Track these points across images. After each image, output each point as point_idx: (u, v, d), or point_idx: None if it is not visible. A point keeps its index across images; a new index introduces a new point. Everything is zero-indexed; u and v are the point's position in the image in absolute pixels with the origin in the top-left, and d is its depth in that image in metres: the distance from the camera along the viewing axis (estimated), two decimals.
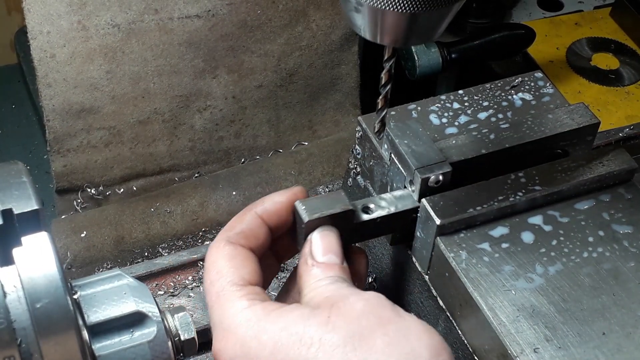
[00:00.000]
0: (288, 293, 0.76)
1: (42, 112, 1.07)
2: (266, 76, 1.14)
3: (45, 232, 0.59)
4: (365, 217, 0.77)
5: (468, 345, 0.75)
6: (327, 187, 1.02)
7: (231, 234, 0.70)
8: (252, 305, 0.65)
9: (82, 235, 1.04)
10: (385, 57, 0.70)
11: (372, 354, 0.59)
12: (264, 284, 0.71)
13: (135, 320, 0.65)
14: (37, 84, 1.06)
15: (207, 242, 1.04)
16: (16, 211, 0.60)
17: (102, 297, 0.65)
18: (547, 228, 0.77)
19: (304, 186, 1.10)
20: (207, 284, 0.68)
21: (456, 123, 0.87)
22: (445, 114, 0.88)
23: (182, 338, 0.69)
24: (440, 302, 0.78)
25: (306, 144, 1.19)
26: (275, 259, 0.78)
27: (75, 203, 1.11)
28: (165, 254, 1.04)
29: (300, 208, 0.74)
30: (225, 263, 0.68)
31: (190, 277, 1.00)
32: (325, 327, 0.61)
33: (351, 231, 0.76)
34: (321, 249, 0.71)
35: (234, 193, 1.10)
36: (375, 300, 0.64)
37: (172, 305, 0.96)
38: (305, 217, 0.73)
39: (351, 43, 1.18)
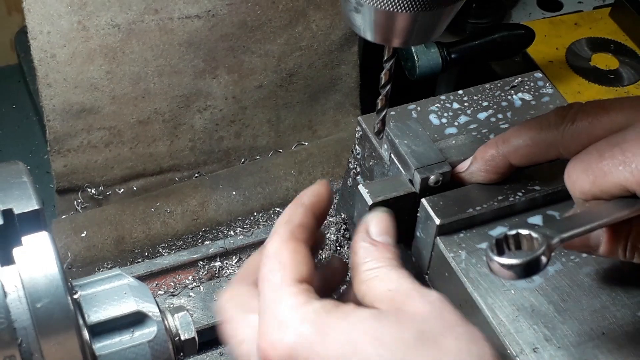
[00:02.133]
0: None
1: (43, 112, 1.07)
2: (266, 76, 1.15)
3: (46, 232, 0.59)
4: None
5: None
6: None
7: (295, 229, 0.69)
8: (310, 302, 0.64)
9: (83, 235, 1.04)
10: (385, 57, 0.70)
11: (446, 354, 0.59)
12: None
13: (136, 320, 0.65)
14: (37, 84, 1.06)
15: (207, 242, 1.04)
16: (17, 211, 0.60)
17: (102, 297, 0.65)
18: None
19: (304, 186, 1.11)
20: (266, 272, 0.67)
21: (456, 123, 0.87)
22: (445, 114, 0.88)
23: (182, 338, 0.69)
24: None
25: (306, 144, 1.19)
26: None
27: (75, 203, 1.11)
28: (166, 254, 1.04)
29: (364, 191, 0.76)
30: (290, 256, 0.67)
31: (190, 277, 1.00)
32: (398, 327, 0.61)
33: (410, 213, 0.77)
34: (378, 228, 0.71)
35: (234, 193, 1.10)
36: (439, 303, 0.63)
37: (172, 305, 0.96)
38: (369, 199, 0.75)
39: (351, 43, 1.18)
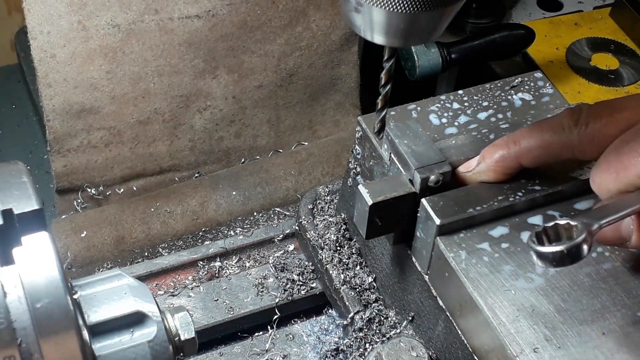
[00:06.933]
0: None
1: (42, 112, 1.07)
2: (266, 76, 1.14)
3: (46, 232, 0.59)
4: None
5: (468, 345, 0.75)
6: (327, 187, 1.02)
7: None
8: None
9: (82, 235, 1.04)
10: (385, 57, 0.70)
11: None
12: None
13: (135, 320, 0.65)
14: (37, 84, 1.06)
15: (207, 242, 1.04)
16: (16, 211, 0.60)
17: (102, 297, 0.65)
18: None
19: (304, 186, 1.11)
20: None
21: (456, 123, 0.87)
22: (445, 114, 0.88)
23: (182, 338, 0.69)
24: (440, 302, 0.78)
25: (306, 144, 1.19)
26: None
27: (75, 203, 1.11)
28: (165, 254, 1.04)
29: (364, 191, 0.76)
30: None
31: (190, 277, 1.00)
32: None
33: (410, 213, 0.77)
34: None
35: (234, 193, 1.10)
36: None
37: (172, 305, 0.96)
38: (369, 199, 0.75)
39: (351, 43, 1.18)
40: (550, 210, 0.78)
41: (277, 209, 1.10)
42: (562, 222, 0.62)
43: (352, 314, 0.90)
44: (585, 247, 0.61)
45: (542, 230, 0.63)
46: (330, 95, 1.20)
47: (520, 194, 0.78)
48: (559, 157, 0.74)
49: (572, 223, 0.62)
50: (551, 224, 0.63)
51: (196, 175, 1.15)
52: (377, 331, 0.89)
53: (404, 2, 0.60)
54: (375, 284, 0.92)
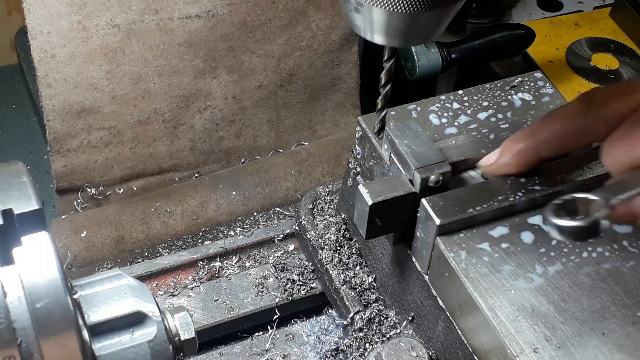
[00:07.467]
0: None
1: (42, 112, 1.07)
2: (266, 76, 1.15)
3: (46, 232, 0.59)
4: None
5: (468, 345, 0.75)
6: (327, 187, 1.02)
7: None
8: None
9: (82, 235, 1.04)
10: (385, 57, 0.70)
11: None
12: None
13: (135, 320, 0.65)
14: (37, 84, 1.06)
15: (207, 242, 1.04)
16: (16, 211, 0.60)
17: (102, 297, 0.65)
18: (547, 228, 0.77)
19: (304, 186, 1.11)
20: None
21: (456, 123, 0.87)
22: (445, 114, 0.88)
23: (182, 338, 0.69)
24: (440, 302, 0.78)
25: (306, 144, 1.19)
26: None
27: (75, 203, 1.11)
28: (165, 254, 1.04)
29: (364, 191, 0.76)
30: None
31: (190, 277, 1.00)
32: None
33: (410, 213, 0.77)
34: None
35: (234, 193, 1.10)
36: None
37: (172, 305, 0.96)
38: (369, 199, 0.75)
39: (351, 43, 1.18)
40: None
41: (277, 209, 1.10)
42: (580, 196, 0.62)
43: (352, 314, 0.90)
44: (605, 223, 0.60)
45: (561, 204, 0.62)
46: (330, 95, 1.20)
47: (520, 194, 0.78)
48: (577, 143, 0.75)
49: (591, 198, 0.61)
50: (569, 197, 0.62)
51: (196, 175, 1.15)
52: (377, 331, 0.89)
53: (404, 2, 0.60)
54: (375, 284, 0.92)
